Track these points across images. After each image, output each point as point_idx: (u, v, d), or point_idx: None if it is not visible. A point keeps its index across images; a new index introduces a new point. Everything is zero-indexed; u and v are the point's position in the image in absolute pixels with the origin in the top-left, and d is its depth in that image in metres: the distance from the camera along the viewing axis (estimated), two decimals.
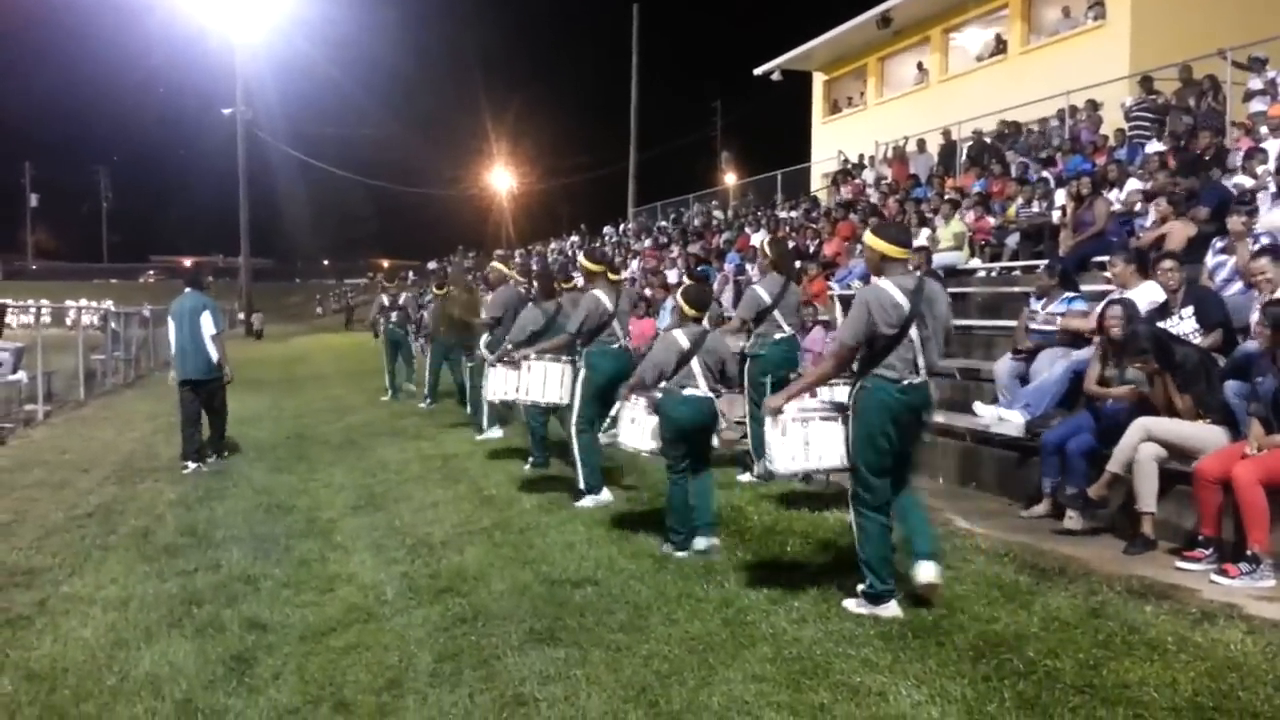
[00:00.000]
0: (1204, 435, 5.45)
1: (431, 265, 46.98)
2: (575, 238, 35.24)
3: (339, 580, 5.27)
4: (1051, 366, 7.08)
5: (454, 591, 4.98)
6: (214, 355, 8.66)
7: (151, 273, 72.27)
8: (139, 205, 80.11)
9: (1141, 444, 5.47)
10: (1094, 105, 14.79)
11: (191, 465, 8.60)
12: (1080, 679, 3.66)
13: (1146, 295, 6.75)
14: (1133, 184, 10.83)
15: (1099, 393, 6.13)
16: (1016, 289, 10.47)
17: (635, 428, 5.86)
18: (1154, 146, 11.96)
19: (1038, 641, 4.02)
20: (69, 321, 20.50)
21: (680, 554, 5.49)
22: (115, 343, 17.95)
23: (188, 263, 70.39)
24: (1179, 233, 8.29)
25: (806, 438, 4.63)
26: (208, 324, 8.62)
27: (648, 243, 24.41)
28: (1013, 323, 8.74)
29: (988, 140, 16.54)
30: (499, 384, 7.48)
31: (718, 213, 26.14)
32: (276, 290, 50.45)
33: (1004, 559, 5.21)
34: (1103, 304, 6.58)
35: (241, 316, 38.62)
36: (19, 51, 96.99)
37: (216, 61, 36.88)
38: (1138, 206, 10.40)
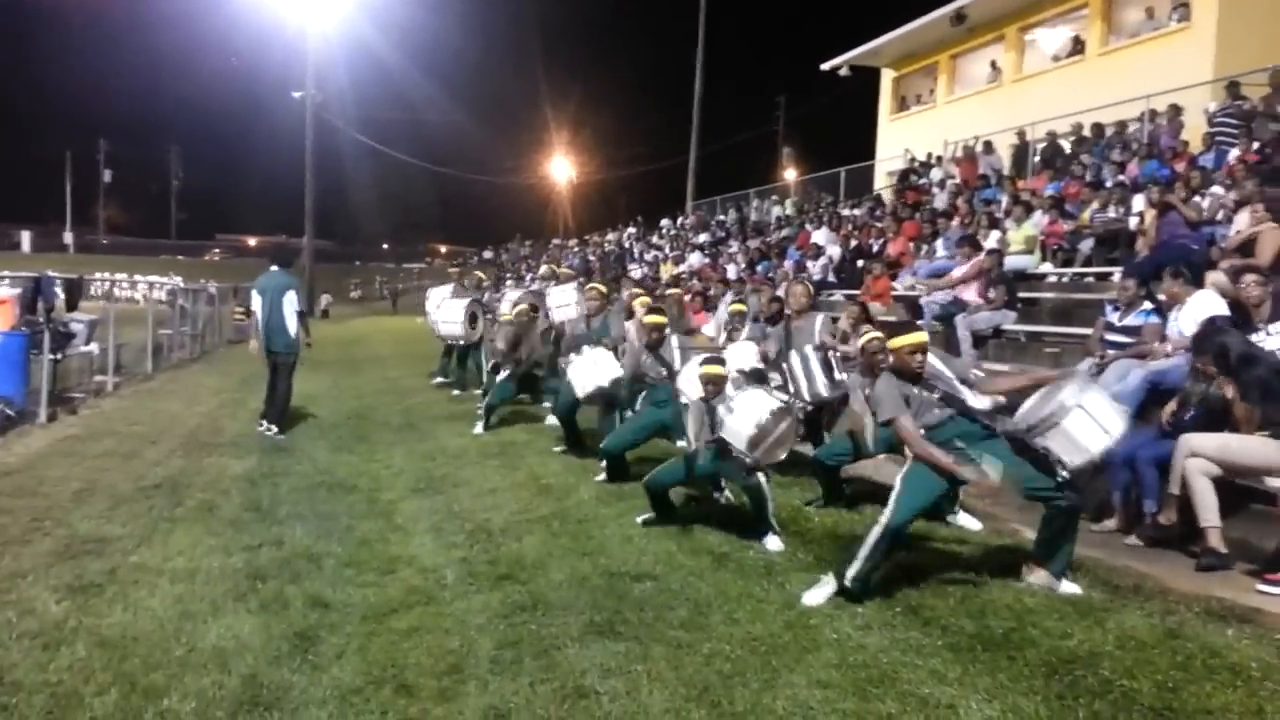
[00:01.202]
0: (1254, 449, 5.23)
1: (488, 254, 47.37)
2: (633, 229, 35.24)
3: (399, 562, 5.30)
4: (1125, 377, 6.87)
5: (513, 579, 4.98)
6: (292, 330, 9.40)
7: (217, 251, 73.74)
8: (207, 184, 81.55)
9: (1187, 460, 5.32)
10: (1176, 110, 14.33)
11: (264, 425, 9.46)
12: (1159, 701, 3.53)
13: (1203, 306, 6.56)
14: (1215, 191, 10.48)
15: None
16: (1089, 295, 10.21)
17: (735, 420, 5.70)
18: (1239, 154, 11.54)
19: (1113, 660, 3.89)
20: (138, 296, 21.01)
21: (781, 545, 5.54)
22: (182, 318, 18.37)
23: (252, 241, 71.69)
24: (1270, 240, 7.94)
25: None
26: (292, 301, 9.42)
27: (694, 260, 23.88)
28: (1085, 330, 8.52)
29: (1063, 143, 16.12)
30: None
31: (777, 209, 25.91)
32: (337, 272, 51.33)
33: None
34: (1202, 323, 6.33)
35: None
36: (98, 33, 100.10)
37: (288, 46, 37.40)
38: (1220, 215, 10.07)
